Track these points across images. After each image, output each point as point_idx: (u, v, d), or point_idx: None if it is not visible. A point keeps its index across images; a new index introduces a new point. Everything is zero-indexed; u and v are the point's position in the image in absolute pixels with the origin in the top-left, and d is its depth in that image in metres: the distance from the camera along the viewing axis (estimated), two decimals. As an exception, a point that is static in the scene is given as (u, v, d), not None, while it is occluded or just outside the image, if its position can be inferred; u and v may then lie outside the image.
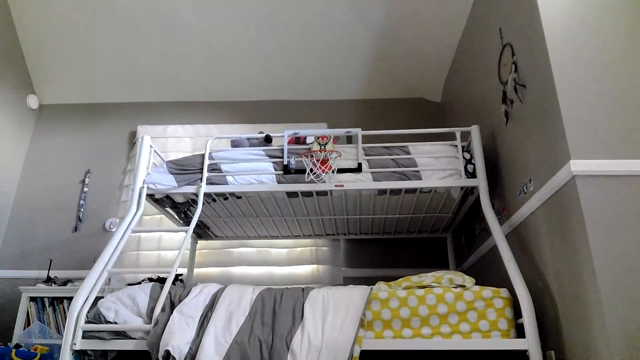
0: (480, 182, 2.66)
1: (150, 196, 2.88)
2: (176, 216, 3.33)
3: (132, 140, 4.21)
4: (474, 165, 2.71)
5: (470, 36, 3.29)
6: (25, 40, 4.01)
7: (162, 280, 2.95)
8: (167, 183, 2.80)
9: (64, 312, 3.38)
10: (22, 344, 2.97)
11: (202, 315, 2.24)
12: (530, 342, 1.99)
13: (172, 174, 2.82)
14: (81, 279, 3.50)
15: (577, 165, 1.86)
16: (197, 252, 3.69)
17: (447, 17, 3.41)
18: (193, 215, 2.74)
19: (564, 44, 2.07)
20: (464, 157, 2.74)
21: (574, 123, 1.94)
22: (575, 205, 1.86)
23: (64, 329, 3.31)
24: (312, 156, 2.74)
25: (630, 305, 1.68)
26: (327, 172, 2.70)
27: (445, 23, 3.46)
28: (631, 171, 1.85)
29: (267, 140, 3.00)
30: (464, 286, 2.25)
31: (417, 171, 2.73)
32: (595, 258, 1.74)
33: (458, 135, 2.81)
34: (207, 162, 2.82)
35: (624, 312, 1.67)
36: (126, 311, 2.28)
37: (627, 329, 1.65)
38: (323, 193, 2.88)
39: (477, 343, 2.07)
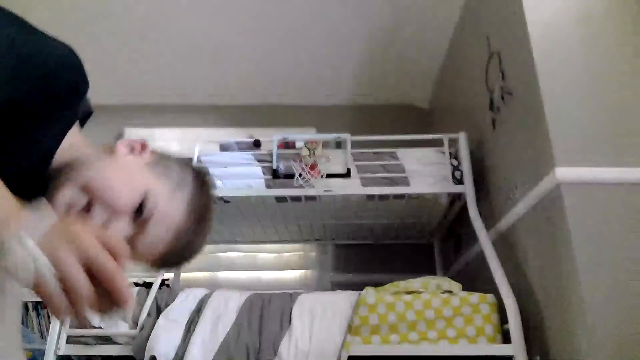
0: (467, 189, 2.68)
1: (137, 200, 2.85)
2: (163, 220, 3.31)
3: (120, 143, 4.17)
4: (462, 171, 2.73)
5: (458, 44, 3.33)
6: (11, 41, 3.96)
7: (148, 285, 2.92)
8: (154, 187, 2.78)
9: (48, 316, 3.33)
10: (4, 349, 2.92)
11: (188, 320, 2.22)
12: (516, 348, 2.00)
13: (160, 177, 2.80)
14: (66, 283, 3.45)
15: (563, 173, 1.89)
16: (184, 256, 3.66)
17: (435, 25, 3.45)
18: (181, 219, 2.73)
19: (550, 52, 2.10)
20: (451, 164, 2.76)
21: (560, 131, 1.96)
22: (560, 212, 1.88)
23: (47, 333, 3.26)
24: (301, 161, 2.74)
25: (614, 312, 1.70)
26: (316, 177, 2.71)
27: (434, 31, 3.50)
28: (616, 179, 1.88)
29: (256, 144, 2.99)
30: (451, 292, 2.26)
31: (405, 177, 2.74)
32: (579, 265, 1.76)
33: (446, 141, 2.83)
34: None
35: (607, 319, 1.69)
36: (111, 316, 2.26)
37: (611, 335, 1.67)
38: (312, 198, 2.88)
39: (463, 349, 2.08)
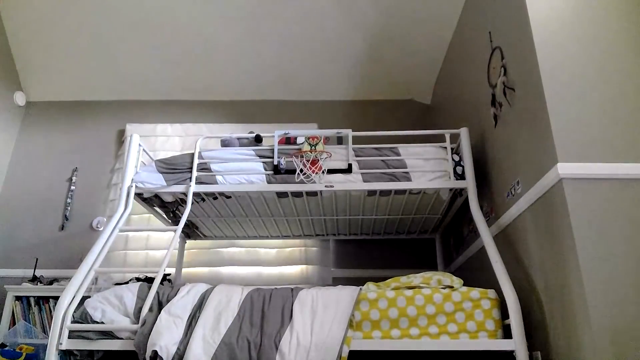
0: (469, 184, 2.68)
1: (138, 195, 2.85)
2: (165, 215, 3.31)
3: (121, 138, 4.17)
4: (463, 167, 2.73)
5: (460, 39, 3.31)
6: (13, 36, 3.96)
7: (149, 280, 2.93)
8: (155, 182, 2.78)
9: (50, 311, 3.34)
10: (7, 344, 2.94)
11: (190, 315, 2.22)
12: (517, 343, 2.01)
13: (161, 172, 2.80)
14: (67, 278, 3.46)
15: (564, 168, 1.88)
16: (185, 251, 3.67)
17: (437, 20, 3.43)
18: (182, 214, 2.73)
19: (552, 48, 2.09)
20: (453, 159, 2.75)
21: (562, 126, 1.96)
22: (562, 207, 1.88)
23: (49, 328, 3.27)
24: (302, 156, 2.74)
25: (615, 306, 1.70)
26: (317, 173, 2.70)
27: (436, 26, 3.48)
28: (617, 174, 1.88)
29: (258, 140, 2.99)
30: (452, 287, 2.26)
31: (407, 172, 2.74)
32: (581, 260, 1.76)
33: (447, 137, 2.82)
34: (196, 161, 2.80)
35: (609, 313, 1.69)
36: (113, 311, 2.26)
37: (612, 330, 1.67)
38: (313, 193, 2.88)
39: (464, 344, 2.09)
